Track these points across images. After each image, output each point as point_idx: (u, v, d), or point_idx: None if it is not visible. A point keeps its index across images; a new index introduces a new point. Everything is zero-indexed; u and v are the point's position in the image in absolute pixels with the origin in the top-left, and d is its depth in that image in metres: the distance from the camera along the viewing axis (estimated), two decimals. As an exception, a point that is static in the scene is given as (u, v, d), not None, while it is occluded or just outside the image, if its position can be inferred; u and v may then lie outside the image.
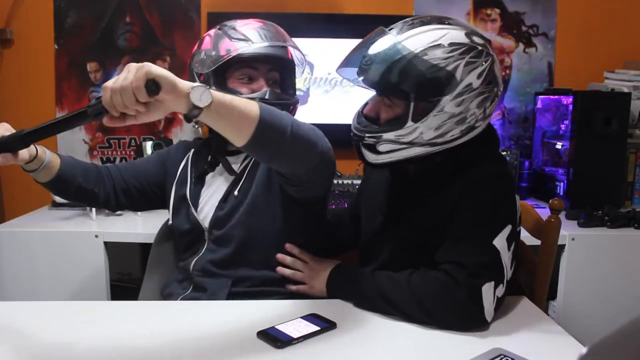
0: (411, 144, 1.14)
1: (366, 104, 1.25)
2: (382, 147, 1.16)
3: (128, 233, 1.90)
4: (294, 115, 1.31)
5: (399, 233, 1.23)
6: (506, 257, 1.10)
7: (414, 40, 1.11)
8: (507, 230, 1.11)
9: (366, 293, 1.15)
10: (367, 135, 1.16)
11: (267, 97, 1.30)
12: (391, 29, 1.16)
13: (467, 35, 1.12)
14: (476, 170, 1.15)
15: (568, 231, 1.88)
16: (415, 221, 1.20)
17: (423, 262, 1.15)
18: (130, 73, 0.87)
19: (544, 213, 1.40)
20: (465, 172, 1.15)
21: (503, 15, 2.45)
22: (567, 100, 2.20)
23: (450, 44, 1.10)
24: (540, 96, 2.39)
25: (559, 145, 2.27)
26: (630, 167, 2.24)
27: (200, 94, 0.91)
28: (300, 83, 2.25)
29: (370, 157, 1.19)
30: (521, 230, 1.23)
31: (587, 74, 2.41)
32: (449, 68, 1.10)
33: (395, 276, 1.15)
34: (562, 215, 1.66)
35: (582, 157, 2.11)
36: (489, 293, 1.07)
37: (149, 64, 0.89)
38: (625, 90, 2.19)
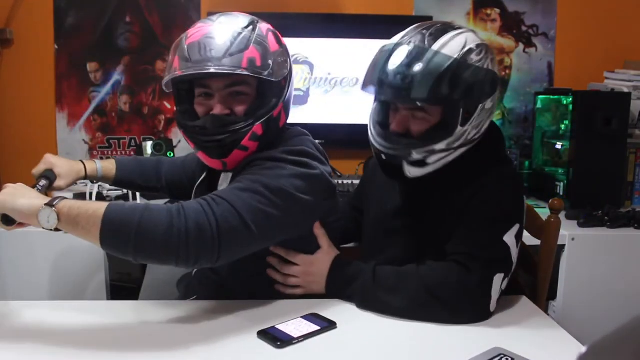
0: (460, 146, 1.15)
1: (379, 119, 1.21)
2: (431, 159, 1.15)
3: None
4: (262, 123, 1.18)
5: (407, 232, 1.23)
6: (514, 253, 1.14)
7: (449, 48, 1.12)
8: (516, 228, 1.14)
9: (368, 289, 1.14)
10: (414, 151, 1.14)
11: (206, 125, 1.18)
12: (409, 42, 1.14)
13: (475, 34, 1.17)
14: (487, 171, 1.17)
15: (568, 231, 1.88)
16: (425, 222, 1.20)
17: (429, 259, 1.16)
18: None
19: (544, 213, 1.40)
20: (477, 174, 1.16)
21: (503, 15, 2.45)
22: (567, 100, 2.20)
23: (477, 46, 1.14)
24: (540, 96, 2.39)
25: (559, 145, 2.27)
26: (630, 167, 2.24)
27: (47, 216, 0.99)
28: (300, 83, 2.26)
29: (414, 172, 1.16)
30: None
31: (587, 74, 2.41)
32: (488, 67, 1.14)
33: (400, 269, 1.14)
34: (562, 215, 1.66)
35: (582, 157, 2.11)
36: (497, 284, 1.10)
37: (3, 199, 1.02)
38: (625, 90, 2.19)
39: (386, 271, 1.15)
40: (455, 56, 1.11)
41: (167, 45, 2.38)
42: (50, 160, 1.32)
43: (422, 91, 1.10)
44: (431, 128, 1.15)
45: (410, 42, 1.14)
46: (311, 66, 2.25)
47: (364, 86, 1.19)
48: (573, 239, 1.88)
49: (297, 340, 1.01)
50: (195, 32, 1.17)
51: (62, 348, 0.99)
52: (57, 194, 1.15)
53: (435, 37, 1.13)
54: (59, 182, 1.32)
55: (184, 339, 1.02)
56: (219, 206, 1.03)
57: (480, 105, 1.14)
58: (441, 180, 1.19)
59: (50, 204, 0.99)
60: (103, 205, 0.99)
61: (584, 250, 1.89)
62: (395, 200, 1.28)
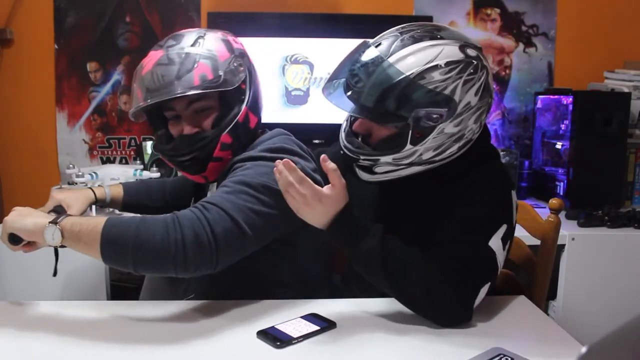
0: (409, 164, 1.12)
1: (351, 116, 1.18)
2: (378, 169, 1.13)
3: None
4: (229, 132, 1.21)
5: (390, 232, 1.21)
6: (501, 257, 1.10)
7: (408, 61, 1.06)
8: (503, 229, 1.10)
9: (371, 265, 1.08)
10: (362, 157, 1.12)
11: (177, 146, 1.23)
12: (379, 44, 1.10)
13: (461, 48, 1.08)
14: (471, 171, 1.13)
15: (568, 231, 1.88)
16: (409, 224, 1.17)
17: None
18: (1, 227, 1.09)
19: (544, 213, 1.40)
20: (460, 175, 1.13)
21: (503, 15, 2.45)
22: (567, 100, 2.20)
23: (447, 64, 1.05)
24: (540, 96, 2.39)
25: (559, 145, 2.27)
26: (630, 167, 2.24)
27: (52, 233, 1.03)
28: (300, 83, 2.26)
29: (365, 176, 1.15)
30: (516, 227, 1.20)
31: (587, 74, 2.41)
32: (448, 91, 1.06)
33: (408, 258, 1.08)
34: (562, 215, 1.66)
35: (582, 157, 2.11)
36: (483, 293, 1.08)
37: (11, 219, 1.07)
38: (625, 90, 2.19)
39: (394, 251, 1.08)
40: (409, 72, 1.05)
41: (167, 45, 2.38)
42: (57, 197, 1.32)
43: (367, 103, 1.08)
44: (386, 138, 1.12)
45: (379, 44, 1.10)
46: (311, 66, 2.25)
47: (327, 81, 1.16)
48: (573, 239, 1.88)
49: (296, 340, 1.01)
50: (148, 61, 1.21)
51: (62, 348, 0.99)
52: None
53: (404, 44, 1.07)
54: (70, 212, 1.31)
55: (183, 338, 1.02)
56: (210, 212, 1.06)
57: (437, 128, 1.07)
58: (427, 185, 1.16)
59: (54, 222, 1.03)
60: (102, 220, 1.03)
61: (584, 250, 1.89)
62: (376, 199, 1.26)
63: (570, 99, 2.16)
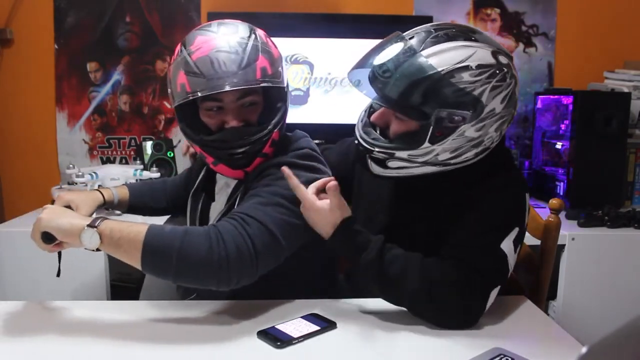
0: (424, 163, 1.10)
1: (370, 107, 1.18)
2: (392, 164, 1.11)
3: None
4: (278, 129, 1.21)
5: (402, 239, 1.21)
6: (512, 259, 1.10)
7: (440, 58, 1.04)
8: (515, 232, 1.10)
9: (366, 269, 1.08)
10: (377, 149, 1.11)
11: (226, 138, 1.19)
12: (412, 37, 1.08)
13: (494, 54, 1.06)
14: (487, 176, 1.13)
15: (568, 231, 1.88)
16: (420, 223, 1.17)
17: None
18: (34, 225, 1.06)
19: (544, 213, 1.40)
20: (476, 179, 1.12)
21: (503, 15, 2.45)
22: (567, 100, 2.20)
23: (478, 66, 1.03)
24: (540, 96, 2.40)
25: (559, 145, 2.27)
26: (630, 167, 2.24)
27: (90, 236, 1.01)
28: (300, 83, 2.26)
29: (376, 169, 1.14)
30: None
31: (587, 74, 2.41)
32: (476, 93, 1.04)
33: (406, 265, 1.08)
34: (562, 215, 1.66)
35: (582, 157, 2.11)
36: (493, 296, 1.08)
37: (47, 218, 1.04)
38: (625, 90, 2.19)
39: (392, 265, 1.08)
40: (441, 69, 1.03)
41: (167, 45, 2.38)
42: (65, 198, 1.29)
43: (392, 94, 1.06)
44: (404, 133, 1.11)
45: (412, 37, 1.08)
46: (311, 66, 2.25)
47: (353, 67, 1.14)
48: (573, 239, 1.88)
49: (297, 340, 1.01)
50: (200, 46, 1.15)
51: (62, 348, 0.99)
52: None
53: (438, 41, 1.05)
54: (79, 213, 1.28)
55: (183, 339, 1.02)
56: (251, 226, 1.07)
57: (459, 129, 1.06)
58: (441, 190, 1.16)
59: (92, 225, 1.02)
60: (144, 229, 1.02)
61: (584, 250, 1.89)
62: (392, 206, 1.25)
63: (570, 99, 2.16)
